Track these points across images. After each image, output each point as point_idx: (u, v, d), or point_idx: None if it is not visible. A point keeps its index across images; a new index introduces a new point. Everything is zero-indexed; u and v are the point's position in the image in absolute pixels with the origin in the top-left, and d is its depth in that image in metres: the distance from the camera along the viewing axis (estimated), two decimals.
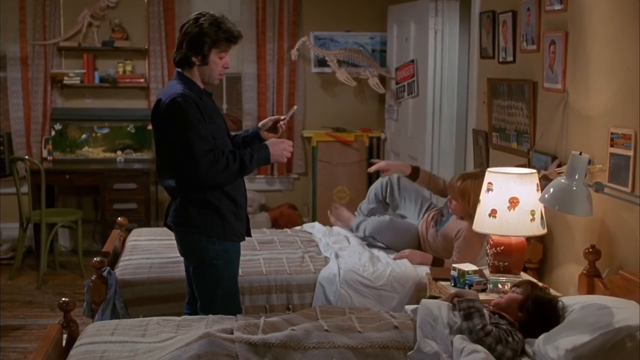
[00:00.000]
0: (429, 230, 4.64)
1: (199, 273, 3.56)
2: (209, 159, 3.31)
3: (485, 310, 2.99)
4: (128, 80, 6.92)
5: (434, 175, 5.03)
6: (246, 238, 3.68)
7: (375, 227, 4.76)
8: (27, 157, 6.43)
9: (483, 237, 4.09)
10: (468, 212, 4.19)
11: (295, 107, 4.00)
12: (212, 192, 3.43)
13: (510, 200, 3.58)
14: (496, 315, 3.03)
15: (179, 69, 3.49)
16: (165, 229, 3.73)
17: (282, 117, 3.66)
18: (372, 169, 5.05)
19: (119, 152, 6.98)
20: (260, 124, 3.72)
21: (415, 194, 4.99)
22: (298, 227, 5.43)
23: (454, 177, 4.52)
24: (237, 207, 3.52)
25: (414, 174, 4.88)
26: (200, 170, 3.31)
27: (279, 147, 3.52)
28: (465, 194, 4.23)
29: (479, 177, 4.03)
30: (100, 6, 6.84)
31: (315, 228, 5.24)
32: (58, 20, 6.84)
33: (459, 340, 2.86)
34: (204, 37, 3.38)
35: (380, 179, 5.16)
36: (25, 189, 6.20)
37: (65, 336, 3.27)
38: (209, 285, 3.54)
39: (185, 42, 3.41)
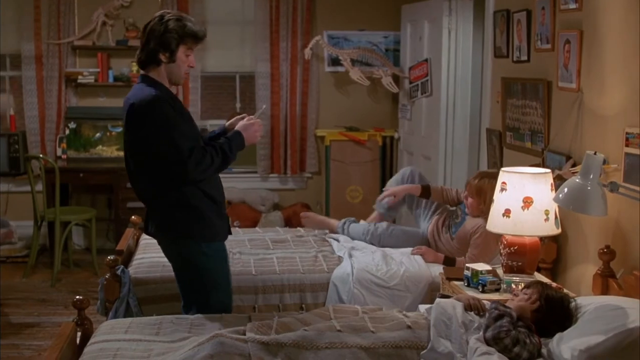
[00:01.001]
0: (441, 235, 4.63)
1: (191, 277, 3.52)
2: (195, 156, 3.28)
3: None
4: None
5: (445, 188, 4.96)
6: (237, 238, 3.63)
7: (375, 235, 4.80)
8: (41, 155, 6.46)
9: (499, 236, 4.08)
10: (482, 211, 4.19)
11: (265, 106, 4.02)
12: (192, 193, 3.39)
13: (524, 200, 3.57)
14: None
15: (143, 72, 3.45)
16: None
17: (251, 117, 3.66)
18: (381, 197, 4.99)
19: None
20: (227, 124, 3.69)
21: None
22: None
23: (473, 174, 4.54)
24: (217, 205, 3.50)
25: (425, 192, 4.82)
26: (189, 170, 3.28)
27: (251, 130, 3.57)
28: (482, 192, 4.24)
29: (496, 177, 4.02)
30: (114, 5, 6.87)
31: None
32: (72, 19, 6.87)
33: (474, 340, 2.86)
34: (170, 33, 3.36)
35: (402, 170, 5.14)
36: (39, 187, 6.23)
37: (79, 334, 3.29)
38: (205, 288, 3.50)
39: (152, 39, 3.37)
